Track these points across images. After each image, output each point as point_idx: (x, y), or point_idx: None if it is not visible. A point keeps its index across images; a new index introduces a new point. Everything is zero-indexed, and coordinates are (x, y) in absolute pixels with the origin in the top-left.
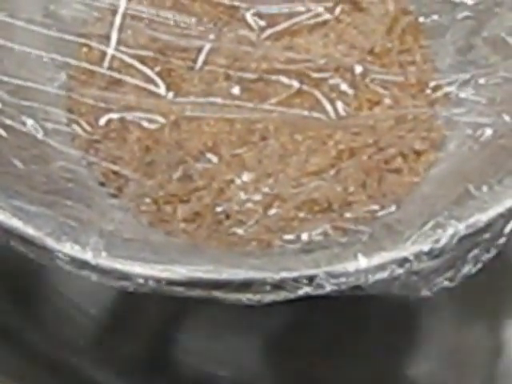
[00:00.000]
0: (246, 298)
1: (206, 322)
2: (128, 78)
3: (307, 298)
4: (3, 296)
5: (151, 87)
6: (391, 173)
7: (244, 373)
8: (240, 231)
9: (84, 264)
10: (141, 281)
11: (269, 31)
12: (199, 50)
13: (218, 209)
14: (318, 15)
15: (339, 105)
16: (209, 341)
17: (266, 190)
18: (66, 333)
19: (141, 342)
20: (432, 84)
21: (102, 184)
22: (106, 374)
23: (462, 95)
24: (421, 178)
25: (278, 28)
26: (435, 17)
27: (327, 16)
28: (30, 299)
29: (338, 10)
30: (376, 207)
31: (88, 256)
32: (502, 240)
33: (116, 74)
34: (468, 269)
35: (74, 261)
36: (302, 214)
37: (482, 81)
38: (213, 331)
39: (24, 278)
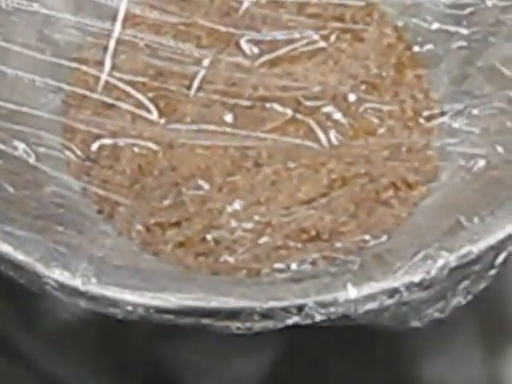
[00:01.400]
0: (234, 326)
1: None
2: (121, 104)
3: (298, 326)
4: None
5: (144, 113)
6: (382, 204)
7: None
8: (230, 259)
9: (73, 291)
10: (130, 308)
11: (263, 58)
12: (193, 76)
13: (209, 236)
14: (313, 42)
15: (332, 133)
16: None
17: (257, 218)
18: (66, 345)
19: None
20: (426, 114)
21: (94, 209)
22: None
23: (456, 125)
24: (412, 210)
25: (273, 55)
26: (430, 46)
27: (322, 44)
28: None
29: (333, 37)
30: (366, 237)
31: (77, 282)
32: (493, 272)
33: (109, 100)
34: (458, 300)
35: (63, 287)
36: (291, 243)
37: (475, 111)
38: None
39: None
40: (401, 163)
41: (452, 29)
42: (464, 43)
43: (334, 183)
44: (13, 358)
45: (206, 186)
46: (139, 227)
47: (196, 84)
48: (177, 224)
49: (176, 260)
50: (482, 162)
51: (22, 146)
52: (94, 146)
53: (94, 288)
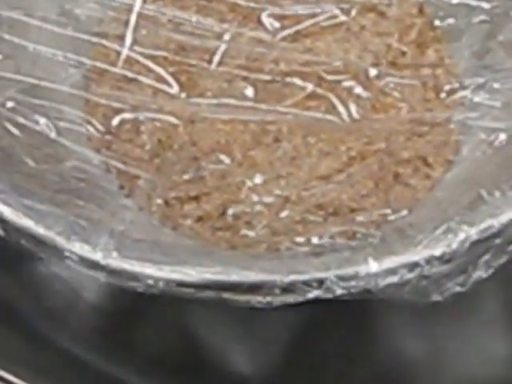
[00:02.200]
0: (255, 300)
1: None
2: (142, 78)
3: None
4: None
5: (165, 87)
6: (403, 179)
7: (270, 372)
8: (250, 233)
9: (94, 264)
10: (150, 282)
11: (284, 32)
12: (215, 50)
13: (229, 210)
14: (333, 17)
15: (353, 108)
16: (230, 339)
17: (278, 192)
18: (76, 325)
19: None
20: (447, 88)
21: (115, 184)
22: (124, 372)
23: (477, 99)
24: (433, 184)
25: (294, 29)
26: (451, 20)
27: (343, 18)
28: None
29: (353, 12)
30: (387, 211)
31: (98, 256)
32: None
33: (130, 74)
34: (479, 274)
35: (83, 261)
36: (312, 217)
37: (496, 85)
38: (234, 329)
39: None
40: (421, 138)
41: (473, 3)
42: (485, 17)
43: (353, 160)
44: (28, 336)
45: (227, 161)
46: (159, 201)
47: (217, 58)
48: (196, 198)
49: (195, 234)
50: (503, 136)
51: (42, 120)
52: (115, 121)
53: (115, 262)
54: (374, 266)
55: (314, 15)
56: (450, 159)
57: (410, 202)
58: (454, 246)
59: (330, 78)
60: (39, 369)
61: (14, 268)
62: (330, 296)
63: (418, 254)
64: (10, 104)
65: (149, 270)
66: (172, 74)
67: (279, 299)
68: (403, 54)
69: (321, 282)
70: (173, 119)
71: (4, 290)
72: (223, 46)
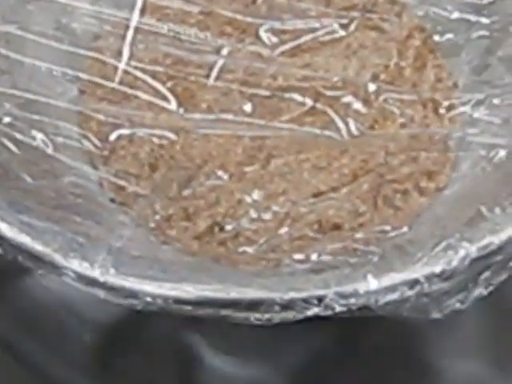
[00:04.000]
0: (254, 317)
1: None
2: (139, 94)
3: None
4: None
5: (162, 103)
6: (402, 195)
7: None
8: (250, 250)
9: (92, 281)
10: (149, 299)
11: (282, 47)
12: (212, 65)
13: (228, 227)
14: (332, 32)
15: (352, 123)
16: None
17: (276, 208)
18: (67, 348)
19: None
20: (446, 104)
21: (112, 200)
22: None
23: (476, 115)
24: (432, 201)
25: (292, 44)
26: (450, 35)
27: (342, 33)
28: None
29: (352, 26)
30: (387, 228)
31: (96, 273)
32: None
33: (127, 89)
34: (479, 291)
35: (81, 278)
36: (312, 234)
37: (496, 101)
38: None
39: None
40: (421, 153)
41: (472, 18)
42: (484, 33)
43: (355, 174)
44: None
45: (225, 176)
46: (157, 217)
47: (215, 73)
48: (194, 214)
49: (194, 251)
50: (502, 153)
51: (39, 135)
52: (112, 136)
53: (113, 279)
54: (373, 284)
55: (313, 30)
56: (449, 175)
57: (409, 219)
58: (454, 263)
59: (328, 93)
60: None
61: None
62: (329, 313)
63: (417, 272)
64: (6, 119)
65: (147, 287)
66: (169, 89)
67: (278, 316)
68: (402, 69)
69: (320, 300)
70: (170, 134)
71: None
72: (221, 61)
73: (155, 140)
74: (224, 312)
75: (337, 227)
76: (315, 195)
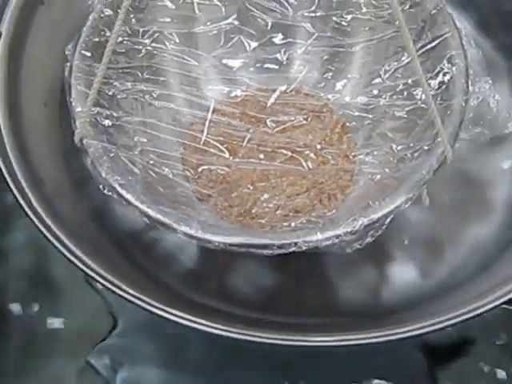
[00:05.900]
0: (265, 252)
1: None
2: (211, 150)
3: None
4: None
5: (221, 153)
6: (331, 195)
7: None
8: (262, 221)
9: (191, 236)
10: (216, 243)
11: (277, 128)
12: (244, 136)
13: (253, 210)
14: (300, 121)
15: (309, 163)
16: None
17: (275, 202)
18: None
19: None
20: (352, 154)
21: (198, 198)
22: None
23: (366, 159)
24: (346, 198)
25: (282, 127)
26: (354, 123)
27: (304, 122)
28: None
29: (309, 118)
30: (325, 211)
31: (192, 232)
32: (384, 227)
33: (206, 148)
34: (368, 240)
35: (186, 234)
36: (290, 214)
37: (375, 153)
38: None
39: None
40: (340, 177)
41: (363, 114)
42: (369, 120)
43: (310, 186)
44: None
45: (250, 187)
46: (219, 207)
47: (245, 141)
48: (238, 205)
49: (238, 222)
50: (378, 176)
51: (165, 169)
52: (199, 169)
53: (201, 234)
54: (320, 236)
55: (292, 120)
56: (353, 187)
57: (336, 207)
58: (357, 227)
59: (298, 149)
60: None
61: None
62: (300, 250)
63: (340, 230)
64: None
65: (216, 237)
66: (225, 147)
67: (276, 251)
68: (331, 138)
69: (295, 243)
70: (225, 168)
71: None
72: (248, 135)
73: (218, 170)
74: (251, 250)
75: (303, 211)
76: (290, 196)
